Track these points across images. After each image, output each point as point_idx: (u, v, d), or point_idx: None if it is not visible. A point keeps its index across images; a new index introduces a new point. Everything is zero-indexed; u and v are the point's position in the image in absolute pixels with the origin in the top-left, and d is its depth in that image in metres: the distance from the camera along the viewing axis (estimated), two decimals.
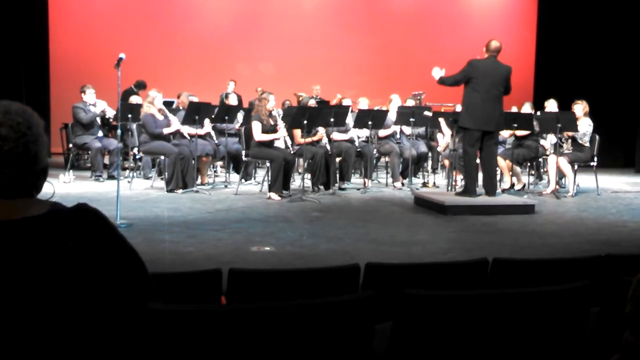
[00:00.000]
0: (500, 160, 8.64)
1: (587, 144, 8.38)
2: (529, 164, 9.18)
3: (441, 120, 8.89)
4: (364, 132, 8.83)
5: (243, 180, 8.56)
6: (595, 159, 8.43)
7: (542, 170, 9.72)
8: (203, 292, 2.35)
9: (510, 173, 8.61)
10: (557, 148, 8.32)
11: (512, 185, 8.62)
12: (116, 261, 1.38)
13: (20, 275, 1.29)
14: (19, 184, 1.37)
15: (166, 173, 7.80)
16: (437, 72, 7.13)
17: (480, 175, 7.26)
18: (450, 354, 1.76)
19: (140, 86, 10.43)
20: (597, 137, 8.51)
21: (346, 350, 1.64)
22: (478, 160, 7.14)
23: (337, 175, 8.44)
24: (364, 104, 9.18)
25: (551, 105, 9.10)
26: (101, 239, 1.37)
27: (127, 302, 1.38)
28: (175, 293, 2.25)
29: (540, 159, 9.17)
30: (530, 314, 1.81)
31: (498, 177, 8.74)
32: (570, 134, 8.29)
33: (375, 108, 9.24)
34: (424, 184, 9.13)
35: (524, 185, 8.65)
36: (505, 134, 9.03)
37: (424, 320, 1.71)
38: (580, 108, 8.35)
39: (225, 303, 2.30)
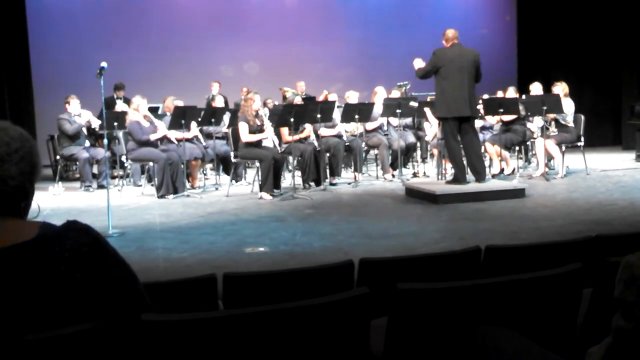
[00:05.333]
0: (488, 145, 8.68)
1: (572, 125, 8.43)
2: (517, 148, 9.22)
3: (427, 110, 8.92)
4: (352, 127, 8.83)
5: (233, 182, 8.55)
6: (582, 139, 8.48)
7: (530, 153, 9.77)
8: (199, 299, 2.35)
9: (499, 158, 8.65)
10: (544, 131, 8.36)
11: (502, 170, 8.66)
12: (109, 278, 1.37)
13: (12, 303, 1.28)
14: (17, 193, 1.37)
15: (156, 179, 7.78)
16: (418, 63, 7.19)
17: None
18: (447, 346, 1.77)
19: (118, 88, 10.36)
20: (582, 117, 8.57)
21: (343, 348, 1.64)
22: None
23: (327, 171, 8.44)
24: (354, 97, 9.18)
25: (536, 88, 9.14)
26: (93, 259, 1.36)
27: (120, 317, 1.38)
28: (171, 302, 2.24)
29: (528, 143, 9.21)
30: (524, 301, 1.83)
31: (487, 163, 8.79)
32: (552, 116, 8.34)
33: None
34: (414, 174, 9.15)
35: (514, 170, 8.69)
36: (492, 119, 9.06)
37: (418, 314, 1.72)
38: (560, 89, 8.41)
39: (222, 308, 2.30)
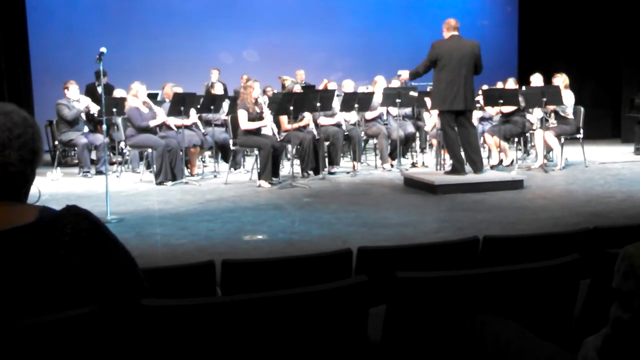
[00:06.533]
0: (487, 136, 8.68)
1: (571, 117, 8.42)
2: (516, 140, 9.22)
3: (427, 99, 8.90)
4: (352, 116, 8.82)
5: (232, 169, 8.54)
6: (581, 131, 8.48)
7: (529, 145, 9.77)
8: (197, 285, 2.35)
9: (498, 149, 8.65)
10: (544, 122, 8.36)
11: (501, 161, 8.67)
12: (108, 263, 1.37)
13: (12, 286, 1.28)
14: (17, 179, 1.36)
15: (154, 166, 7.77)
16: (405, 72, 7.22)
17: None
18: (445, 335, 1.78)
19: (100, 75, 10.29)
20: (581, 109, 8.56)
21: (341, 336, 1.65)
22: None
23: (326, 160, 8.44)
24: (349, 86, 9.15)
25: (536, 80, 9.11)
26: (92, 243, 1.36)
27: (120, 302, 1.38)
28: (169, 287, 2.25)
29: (527, 134, 9.21)
30: (521, 291, 1.83)
31: (486, 154, 8.79)
32: (552, 107, 8.33)
33: (360, 89, 9.23)
34: (413, 164, 9.15)
35: (512, 161, 8.70)
36: (491, 110, 9.06)
37: (416, 303, 1.73)
38: (560, 80, 8.39)
39: (220, 295, 2.31)
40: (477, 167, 7.05)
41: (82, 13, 12.18)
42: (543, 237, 2.73)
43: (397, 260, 2.50)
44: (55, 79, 9.86)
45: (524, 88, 8.78)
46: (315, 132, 8.18)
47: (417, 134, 9.68)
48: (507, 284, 1.82)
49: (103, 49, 5.61)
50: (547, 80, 9.12)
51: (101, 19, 12.19)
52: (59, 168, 8.67)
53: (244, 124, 7.50)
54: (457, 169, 7.05)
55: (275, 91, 10.56)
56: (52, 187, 7.57)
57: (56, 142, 8.98)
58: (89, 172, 8.55)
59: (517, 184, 6.93)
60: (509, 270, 1.83)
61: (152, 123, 7.92)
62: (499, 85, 9.66)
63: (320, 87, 10.50)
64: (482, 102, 8.52)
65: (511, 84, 9.07)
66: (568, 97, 8.32)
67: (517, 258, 2.44)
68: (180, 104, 7.74)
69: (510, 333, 1.58)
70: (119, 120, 8.52)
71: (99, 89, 9.22)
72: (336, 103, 8.67)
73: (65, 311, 1.31)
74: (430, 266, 2.43)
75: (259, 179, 7.45)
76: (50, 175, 8.32)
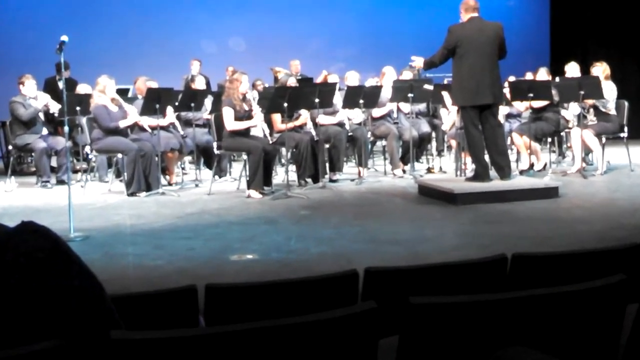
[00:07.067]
0: (515, 136, 8.70)
1: (613, 112, 8.44)
2: (549, 140, 9.24)
3: (445, 93, 8.91)
4: (356, 114, 8.83)
5: (216, 177, 8.56)
6: (625, 129, 8.49)
7: (564, 146, 9.78)
8: (176, 314, 2.35)
9: (528, 151, 8.67)
10: (581, 119, 8.38)
11: (531, 165, 8.68)
12: (70, 289, 1.37)
13: None
14: None
15: (125, 174, 7.79)
16: (419, 60, 7.25)
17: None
18: None
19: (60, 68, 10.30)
20: (625, 103, 8.58)
21: None
22: None
23: (327, 166, 8.45)
24: (354, 79, 9.17)
25: (572, 70, 9.14)
26: (52, 266, 1.36)
27: (85, 335, 1.38)
28: (144, 317, 2.24)
29: (562, 133, 9.23)
30: (557, 318, 1.83)
31: (514, 157, 8.80)
32: (590, 102, 8.34)
33: (367, 84, 9.26)
34: (429, 170, 9.16)
35: (545, 165, 8.71)
36: (520, 106, 9.07)
37: (434, 333, 1.73)
38: (600, 70, 8.41)
39: (204, 325, 2.31)
40: (504, 173, 7.06)
41: None
42: (582, 254, 2.72)
43: (411, 283, 2.50)
44: (8, 73, 9.88)
45: (557, 79, 8.80)
46: (313, 133, 8.20)
47: (433, 134, 9.70)
48: (540, 310, 1.82)
49: (64, 37, 5.63)
50: (585, 70, 9.14)
51: (61, 1, 12.23)
52: (13, 177, 8.69)
53: (230, 124, 7.52)
54: (480, 174, 7.05)
55: (267, 85, 10.59)
56: (5, 199, 7.59)
57: (10, 147, 9.00)
58: (48, 181, 8.56)
59: (550, 192, 6.94)
60: (542, 294, 1.83)
61: (123, 124, 7.94)
62: (529, 76, 9.69)
63: (319, 80, 10.54)
64: (508, 96, 8.53)
65: (543, 74, 9.09)
66: (609, 90, 8.34)
67: (551, 279, 2.44)
68: (155, 101, 7.76)
69: None
70: (84, 120, 8.53)
71: (60, 84, 9.22)
72: (338, 99, 8.70)
73: (20, 347, 1.31)
74: (450, 290, 2.43)
75: (248, 188, 7.46)
76: (3, 185, 8.34)
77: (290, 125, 7.99)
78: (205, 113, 9.10)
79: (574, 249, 3.00)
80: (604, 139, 8.37)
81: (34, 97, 8.77)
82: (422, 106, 9.49)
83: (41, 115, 8.84)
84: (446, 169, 9.21)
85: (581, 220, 5.84)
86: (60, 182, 8.57)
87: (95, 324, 1.40)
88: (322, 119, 8.51)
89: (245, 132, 7.69)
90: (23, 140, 8.67)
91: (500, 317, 1.78)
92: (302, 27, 13.24)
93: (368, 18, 13.53)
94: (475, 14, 6.94)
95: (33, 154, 8.86)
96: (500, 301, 1.80)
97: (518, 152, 8.92)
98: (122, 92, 8.94)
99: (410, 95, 8.65)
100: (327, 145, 8.44)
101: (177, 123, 8.68)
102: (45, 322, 1.35)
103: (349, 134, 8.65)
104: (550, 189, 7.03)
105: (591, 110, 8.50)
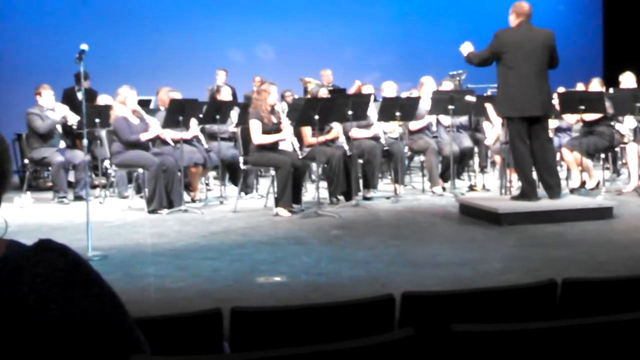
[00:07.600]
0: (565, 152, 8.62)
1: None
2: (602, 156, 9.13)
3: (488, 105, 8.88)
4: (393, 127, 8.83)
5: (242, 194, 8.60)
6: None
7: (619, 162, 9.66)
8: (199, 340, 2.37)
9: (580, 168, 8.58)
10: (638, 133, 8.27)
11: (583, 183, 8.59)
12: (91, 311, 1.39)
13: None
14: None
15: (146, 190, 7.86)
16: (467, 48, 7.19)
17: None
18: None
19: (79, 79, 10.48)
20: None
21: None
22: None
23: (360, 182, 8.45)
24: (391, 89, 9.18)
25: (628, 80, 9.05)
26: (71, 287, 1.37)
27: (106, 359, 1.39)
28: (165, 342, 2.26)
29: (617, 149, 9.12)
30: (611, 349, 1.81)
31: (564, 174, 8.71)
32: None
33: (404, 95, 9.26)
34: (471, 188, 9.11)
35: (598, 183, 8.61)
36: (570, 119, 9.00)
37: None
38: None
39: (229, 351, 2.32)
40: (554, 192, 6.99)
41: (59, 2, 12.46)
42: (638, 280, 2.69)
43: (452, 309, 2.48)
44: (25, 83, 10.06)
45: (611, 90, 8.72)
46: (346, 147, 8.21)
47: (476, 149, 9.65)
48: (592, 340, 1.80)
49: (84, 46, 5.73)
50: None
51: (82, 9, 12.45)
52: (29, 192, 8.82)
53: (258, 137, 7.57)
54: (527, 193, 7.00)
55: (296, 96, 10.65)
56: (20, 216, 7.69)
57: (26, 161, 9.14)
58: (65, 197, 8.67)
59: (604, 213, 6.86)
60: (595, 323, 1.81)
61: (144, 137, 8.03)
62: (580, 87, 9.60)
63: (352, 90, 10.57)
64: (558, 108, 8.47)
65: (596, 85, 9.01)
66: None
67: (604, 307, 2.41)
68: (178, 113, 7.84)
69: None
70: (103, 133, 8.65)
71: (79, 95, 9.38)
72: (372, 111, 8.71)
73: None
74: (494, 317, 2.41)
75: (276, 206, 7.49)
76: (18, 201, 8.46)
77: (322, 139, 8.00)
78: (231, 126, 9.17)
79: (630, 274, 2.96)
80: None
81: (51, 109, 8.90)
82: (463, 119, 9.46)
83: (59, 128, 8.97)
84: (490, 186, 9.15)
85: (638, 244, 5.76)
86: (78, 198, 8.67)
87: (117, 348, 1.41)
88: (356, 132, 8.52)
89: (274, 147, 7.73)
90: (40, 154, 8.79)
91: (549, 348, 1.77)
92: (334, 34, 13.30)
93: (405, 24, 13.55)
94: (527, 20, 6.92)
95: (50, 168, 8.98)
96: (549, 330, 1.78)
97: (568, 169, 8.83)
98: (144, 104, 9.05)
99: (450, 107, 8.63)
100: (360, 161, 8.44)
101: (201, 136, 8.74)
102: (63, 345, 1.37)
103: (385, 148, 8.64)
104: (604, 209, 6.95)
105: None
